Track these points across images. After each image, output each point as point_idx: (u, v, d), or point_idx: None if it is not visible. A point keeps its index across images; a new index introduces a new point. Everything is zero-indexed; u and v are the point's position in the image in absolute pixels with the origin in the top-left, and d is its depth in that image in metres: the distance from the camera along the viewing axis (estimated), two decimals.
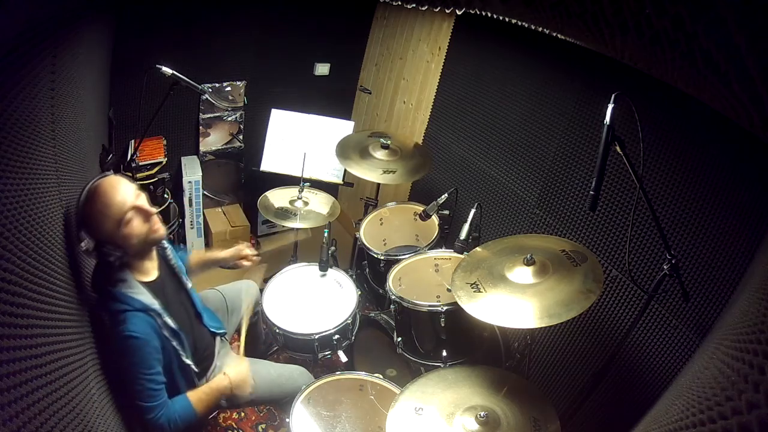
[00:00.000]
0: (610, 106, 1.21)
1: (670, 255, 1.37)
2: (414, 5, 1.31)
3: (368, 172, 2.36)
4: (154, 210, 1.43)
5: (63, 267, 1.18)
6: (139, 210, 1.38)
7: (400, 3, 1.37)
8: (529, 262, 1.56)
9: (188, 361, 1.55)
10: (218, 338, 1.84)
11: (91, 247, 1.32)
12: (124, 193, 1.36)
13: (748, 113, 0.79)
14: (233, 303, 2.05)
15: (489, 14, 1.22)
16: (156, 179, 2.85)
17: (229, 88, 3.12)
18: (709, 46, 0.68)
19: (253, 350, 2.16)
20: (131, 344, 1.35)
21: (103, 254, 1.36)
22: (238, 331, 2.14)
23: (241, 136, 3.32)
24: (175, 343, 1.49)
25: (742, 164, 1.55)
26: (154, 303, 1.43)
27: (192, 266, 1.92)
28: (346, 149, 2.50)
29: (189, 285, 1.73)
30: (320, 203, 2.58)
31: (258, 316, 2.20)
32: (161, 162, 2.84)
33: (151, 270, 1.53)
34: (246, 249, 1.96)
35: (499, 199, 2.51)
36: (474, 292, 1.54)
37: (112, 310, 1.37)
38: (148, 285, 1.47)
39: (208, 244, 3.20)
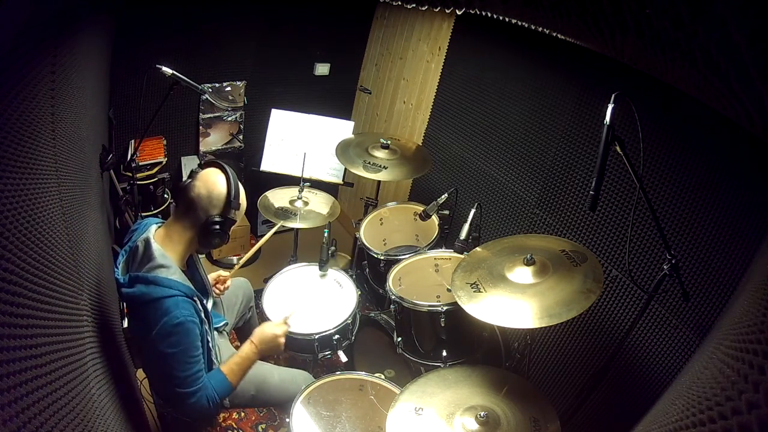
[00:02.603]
0: (610, 106, 1.21)
1: (670, 255, 1.37)
2: (414, 5, 1.31)
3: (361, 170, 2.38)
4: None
5: (63, 267, 1.18)
6: None
7: (400, 3, 1.37)
8: (529, 262, 1.56)
9: (212, 346, 1.59)
10: (216, 332, 1.87)
11: (218, 222, 1.43)
12: None
13: (748, 113, 0.79)
14: (228, 300, 2.06)
15: (489, 14, 1.22)
16: (156, 179, 2.86)
17: (229, 88, 3.12)
18: (709, 46, 0.68)
19: None
20: (182, 329, 1.36)
21: (211, 234, 1.44)
22: (235, 329, 2.16)
23: (241, 136, 3.32)
24: (207, 327, 1.53)
25: (742, 164, 1.55)
26: (194, 289, 1.46)
27: None
28: (346, 150, 2.51)
29: (207, 280, 1.75)
30: (320, 203, 2.58)
31: (252, 312, 2.22)
32: (161, 162, 2.84)
33: (184, 262, 1.56)
34: (222, 274, 1.95)
35: (499, 199, 2.51)
36: (474, 292, 1.54)
37: (152, 297, 1.34)
38: (184, 273, 1.51)
39: None
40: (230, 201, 1.43)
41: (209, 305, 1.69)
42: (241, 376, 1.58)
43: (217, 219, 1.42)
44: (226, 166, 1.49)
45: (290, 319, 1.76)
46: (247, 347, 1.61)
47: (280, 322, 1.72)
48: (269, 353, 1.66)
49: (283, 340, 1.66)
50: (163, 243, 1.44)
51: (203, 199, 1.42)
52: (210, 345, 1.58)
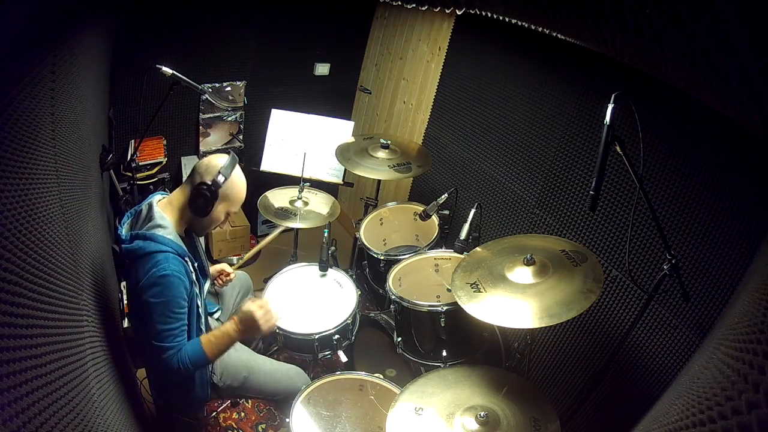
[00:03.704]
0: (610, 106, 1.21)
1: (670, 255, 1.37)
2: (414, 5, 1.31)
3: (376, 172, 2.40)
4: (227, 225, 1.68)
5: (63, 267, 1.18)
6: (230, 220, 1.67)
7: (400, 3, 1.37)
8: (529, 262, 1.56)
9: (201, 312, 1.64)
10: (211, 318, 1.91)
11: (207, 184, 1.54)
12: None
13: (748, 113, 0.79)
14: (226, 290, 2.08)
15: (489, 14, 1.22)
16: (156, 179, 2.86)
17: (229, 88, 3.12)
18: (709, 46, 0.68)
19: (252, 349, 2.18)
20: (166, 282, 1.44)
21: (198, 195, 1.55)
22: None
23: (241, 136, 3.32)
24: (197, 290, 1.59)
25: (742, 164, 1.55)
26: (187, 251, 1.55)
27: None
28: (346, 153, 2.51)
29: (203, 253, 1.79)
30: (320, 203, 2.58)
31: None
32: (161, 162, 2.84)
33: (182, 229, 1.64)
34: (225, 268, 2.02)
35: (499, 199, 2.51)
36: (474, 292, 1.54)
37: (146, 251, 1.44)
38: (180, 237, 1.59)
39: (208, 244, 3.20)
40: (221, 170, 1.55)
41: (206, 287, 1.75)
42: (217, 350, 1.55)
43: (206, 182, 1.54)
44: (235, 156, 1.65)
45: (276, 307, 1.65)
46: (228, 323, 1.60)
47: (263, 302, 1.62)
48: (250, 332, 1.60)
49: (262, 320, 1.56)
50: (164, 208, 1.56)
51: (202, 167, 1.58)
52: (200, 311, 1.62)
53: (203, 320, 1.67)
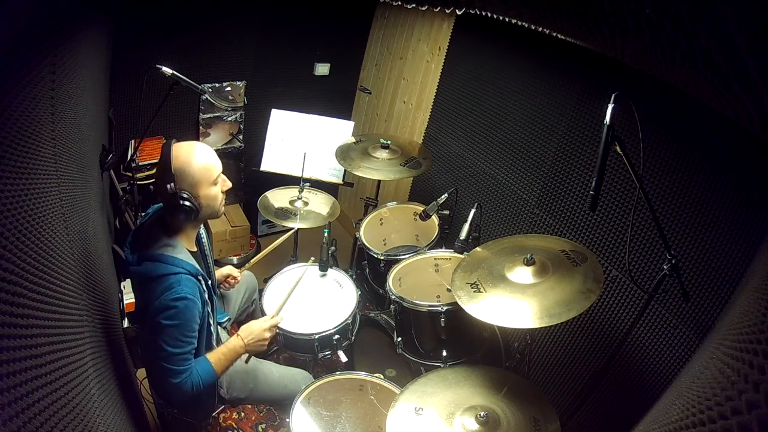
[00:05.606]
0: (610, 106, 1.21)
1: (670, 255, 1.37)
2: (414, 5, 1.32)
3: (384, 173, 2.40)
4: (230, 183, 1.57)
5: (63, 267, 1.18)
6: (223, 180, 1.55)
7: (400, 3, 1.37)
8: (529, 262, 1.56)
9: (213, 330, 1.61)
10: (219, 327, 1.89)
11: (165, 188, 1.40)
12: (217, 159, 1.54)
13: (748, 113, 0.79)
14: (231, 292, 2.08)
15: (489, 14, 1.22)
16: None
17: (229, 88, 3.12)
18: (709, 46, 0.68)
19: None
20: (181, 305, 1.39)
21: (178, 205, 1.42)
22: (237, 323, 2.16)
23: (241, 136, 3.32)
24: (209, 309, 1.55)
25: (741, 164, 1.54)
26: (200, 269, 1.49)
27: None
28: (347, 154, 2.51)
29: (212, 266, 1.77)
30: (320, 203, 2.58)
31: (255, 305, 2.22)
32: None
33: (193, 242, 1.59)
34: (232, 272, 1.99)
35: (499, 199, 2.51)
36: (474, 292, 1.54)
37: (157, 274, 1.39)
38: (192, 254, 1.53)
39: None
40: (167, 164, 1.43)
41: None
42: (225, 366, 1.58)
43: (165, 186, 1.41)
44: (169, 142, 1.51)
45: (282, 311, 1.75)
46: (234, 340, 1.61)
47: (268, 317, 1.71)
48: (255, 349, 1.65)
49: (268, 335, 1.64)
50: (168, 224, 1.49)
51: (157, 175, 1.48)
52: (212, 329, 1.59)
53: (214, 337, 1.64)
